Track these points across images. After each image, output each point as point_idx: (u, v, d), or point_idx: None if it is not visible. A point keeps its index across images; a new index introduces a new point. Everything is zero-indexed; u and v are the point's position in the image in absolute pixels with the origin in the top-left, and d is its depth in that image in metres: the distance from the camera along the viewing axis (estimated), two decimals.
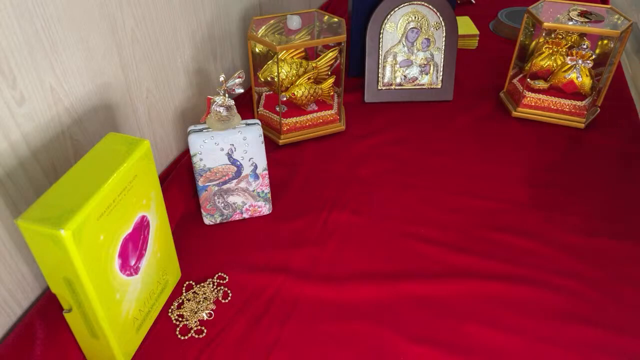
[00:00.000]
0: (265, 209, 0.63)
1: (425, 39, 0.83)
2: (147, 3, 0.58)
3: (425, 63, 0.84)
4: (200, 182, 0.58)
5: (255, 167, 0.59)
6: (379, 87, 0.85)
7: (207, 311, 0.51)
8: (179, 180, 0.64)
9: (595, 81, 0.80)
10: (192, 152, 0.55)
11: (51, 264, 0.38)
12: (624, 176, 0.70)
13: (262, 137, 0.57)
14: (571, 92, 0.80)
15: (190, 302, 0.52)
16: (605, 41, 0.79)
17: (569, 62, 0.78)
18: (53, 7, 0.45)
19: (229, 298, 0.53)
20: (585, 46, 0.77)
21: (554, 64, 0.81)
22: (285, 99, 0.75)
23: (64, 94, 0.48)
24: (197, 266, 0.56)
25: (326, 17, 0.75)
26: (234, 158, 0.57)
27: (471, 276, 0.55)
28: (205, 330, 0.49)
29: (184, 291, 0.54)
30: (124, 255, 0.42)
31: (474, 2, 1.27)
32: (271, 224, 0.62)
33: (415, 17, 0.81)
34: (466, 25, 1.07)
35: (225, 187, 0.59)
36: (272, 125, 0.76)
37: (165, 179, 0.64)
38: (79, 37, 0.49)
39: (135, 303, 0.46)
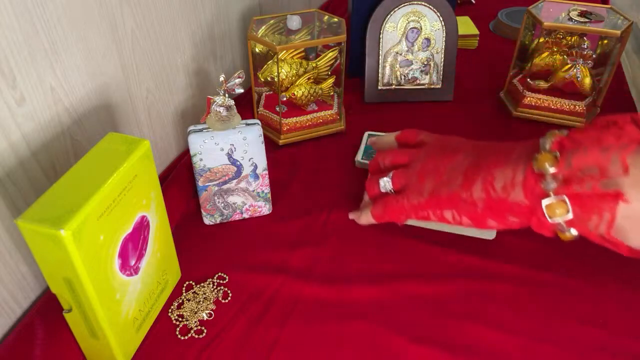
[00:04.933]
0: (265, 209, 0.63)
1: (425, 39, 0.83)
2: (147, 3, 0.58)
3: (426, 63, 0.84)
4: (200, 182, 0.58)
5: (255, 167, 0.59)
6: (379, 87, 0.85)
7: (207, 311, 0.51)
8: (179, 180, 0.64)
9: (595, 81, 0.80)
10: (192, 152, 0.55)
11: (51, 264, 0.38)
12: None
13: (262, 137, 0.57)
14: (571, 92, 0.80)
15: (190, 302, 0.52)
16: (606, 41, 0.79)
17: (569, 62, 0.78)
18: (53, 7, 0.45)
19: (229, 298, 0.53)
20: (585, 46, 0.77)
21: (554, 64, 0.81)
22: (285, 99, 0.75)
23: (64, 94, 0.48)
24: (197, 266, 0.56)
25: (326, 17, 0.75)
26: (234, 158, 0.57)
27: (471, 276, 0.55)
28: (205, 330, 0.49)
29: (184, 291, 0.54)
30: (124, 255, 0.42)
31: (474, 2, 1.27)
32: (271, 224, 0.62)
33: (415, 17, 0.81)
34: (466, 25, 1.07)
35: (225, 187, 0.59)
36: (272, 125, 0.76)
37: (165, 179, 0.64)
38: (79, 37, 0.49)
39: (135, 303, 0.46)
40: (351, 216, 0.57)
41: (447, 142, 0.50)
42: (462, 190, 0.43)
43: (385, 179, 0.50)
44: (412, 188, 0.47)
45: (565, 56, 0.79)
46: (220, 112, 0.54)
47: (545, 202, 0.38)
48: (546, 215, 0.38)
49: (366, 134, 0.76)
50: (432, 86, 0.86)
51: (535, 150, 0.39)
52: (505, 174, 0.40)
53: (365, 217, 0.54)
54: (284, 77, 0.73)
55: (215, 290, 0.53)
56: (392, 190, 0.50)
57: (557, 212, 0.38)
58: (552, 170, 0.37)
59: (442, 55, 0.84)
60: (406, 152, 0.51)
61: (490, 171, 0.41)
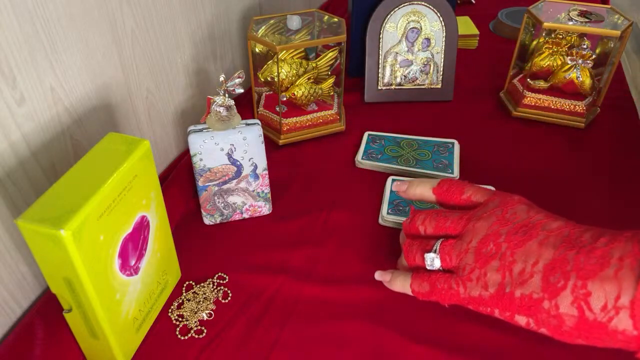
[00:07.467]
0: (265, 209, 0.63)
1: (425, 39, 0.83)
2: (147, 3, 0.58)
3: (425, 63, 0.84)
4: (200, 182, 0.58)
5: (255, 167, 0.59)
6: (379, 87, 0.85)
7: (207, 311, 0.51)
8: (179, 180, 0.64)
9: (595, 81, 0.80)
10: (192, 152, 0.55)
11: (51, 264, 0.38)
12: (624, 176, 0.70)
13: (262, 137, 0.57)
14: (571, 92, 0.80)
15: (190, 302, 0.52)
16: (606, 41, 0.79)
17: (569, 62, 0.78)
18: (53, 7, 0.45)
19: (229, 298, 0.53)
20: (585, 46, 0.77)
21: (554, 64, 0.81)
22: (285, 99, 0.75)
23: (64, 94, 0.48)
24: (197, 266, 0.56)
25: (326, 17, 0.75)
26: (234, 158, 0.57)
27: None
28: (205, 330, 0.49)
29: (184, 291, 0.54)
30: (124, 256, 0.42)
31: (474, 2, 1.27)
32: (271, 224, 0.62)
33: (415, 17, 0.81)
34: (466, 25, 1.07)
35: (225, 187, 0.59)
36: (272, 125, 0.76)
37: (165, 179, 0.64)
38: (79, 37, 0.49)
39: (135, 303, 0.46)
40: (378, 277, 0.47)
41: (508, 211, 0.39)
42: (544, 298, 0.34)
43: (431, 255, 0.41)
44: (470, 274, 0.38)
45: (565, 56, 0.79)
46: (220, 112, 0.54)
47: None
48: None
49: (366, 134, 0.76)
50: (432, 86, 0.86)
51: None
52: (606, 291, 0.31)
53: (400, 286, 0.45)
54: (284, 77, 0.73)
55: (215, 290, 0.53)
56: (441, 268, 0.42)
57: None
58: None
59: (442, 55, 0.84)
60: (454, 219, 0.41)
61: (584, 281, 0.32)
